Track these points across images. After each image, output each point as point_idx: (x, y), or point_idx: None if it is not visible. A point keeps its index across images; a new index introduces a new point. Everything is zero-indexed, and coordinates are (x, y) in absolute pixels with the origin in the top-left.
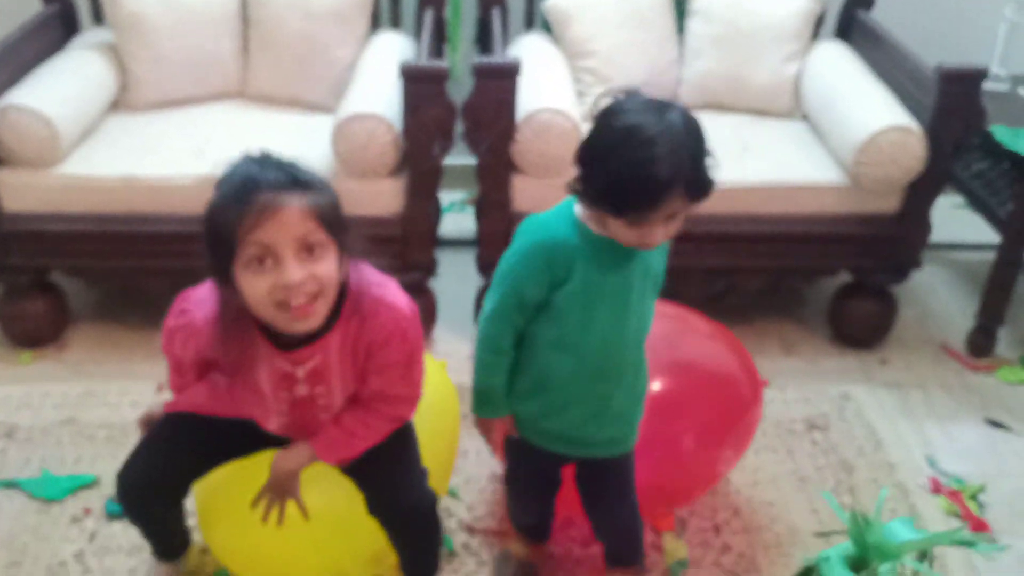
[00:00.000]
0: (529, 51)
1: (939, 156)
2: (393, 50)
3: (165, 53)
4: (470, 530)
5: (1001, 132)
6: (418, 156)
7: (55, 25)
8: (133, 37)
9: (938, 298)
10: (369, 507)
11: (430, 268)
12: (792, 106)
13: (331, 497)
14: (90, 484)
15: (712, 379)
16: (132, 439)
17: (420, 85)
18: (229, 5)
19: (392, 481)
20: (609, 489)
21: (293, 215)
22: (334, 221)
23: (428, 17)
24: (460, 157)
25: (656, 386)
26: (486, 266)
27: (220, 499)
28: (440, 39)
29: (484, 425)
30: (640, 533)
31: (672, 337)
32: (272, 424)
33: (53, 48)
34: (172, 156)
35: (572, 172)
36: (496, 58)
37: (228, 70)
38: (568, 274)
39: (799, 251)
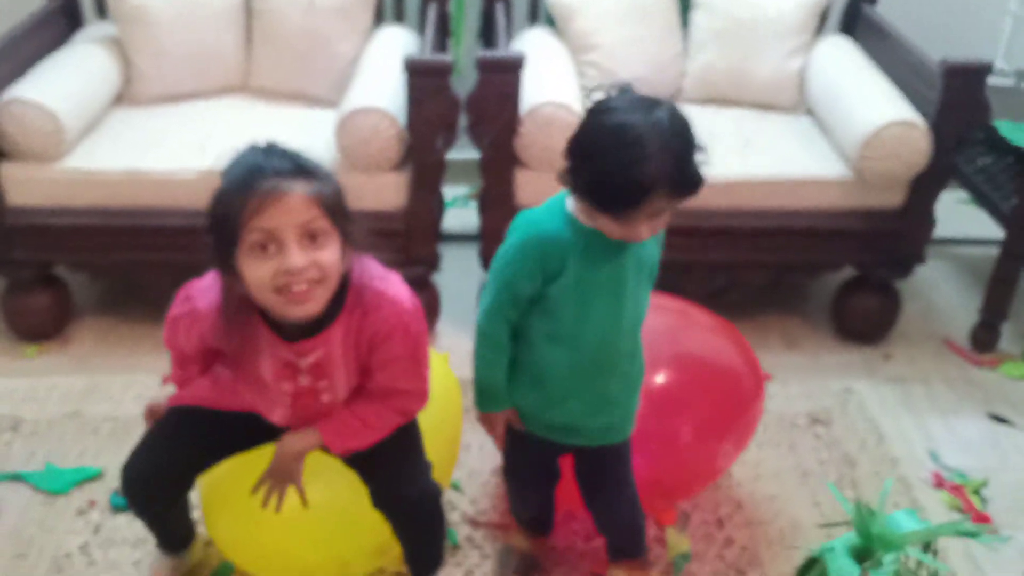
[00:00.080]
0: (533, 45)
1: (943, 151)
2: (397, 44)
3: (168, 47)
4: (473, 523)
5: (1005, 127)
6: (422, 150)
7: (59, 19)
8: (136, 31)
9: (941, 293)
10: (374, 500)
11: (433, 262)
12: (796, 100)
13: (335, 490)
14: (95, 477)
15: (714, 373)
16: (137, 432)
17: (424, 79)
18: None
19: (397, 474)
20: (607, 478)
21: (297, 201)
22: (337, 210)
23: (432, 11)
24: (464, 151)
25: (658, 380)
26: (489, 260)
27: (224, 492)
28: (444, 33)
29: (486, 419)
30: (642, 526)
31: (675, 331)
32: (275, 416)
33: (57, 42)
34: (176, 150)
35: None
36: (500, 52)
37: (231, 64)
38: (561, 268)
39: (802, 246)
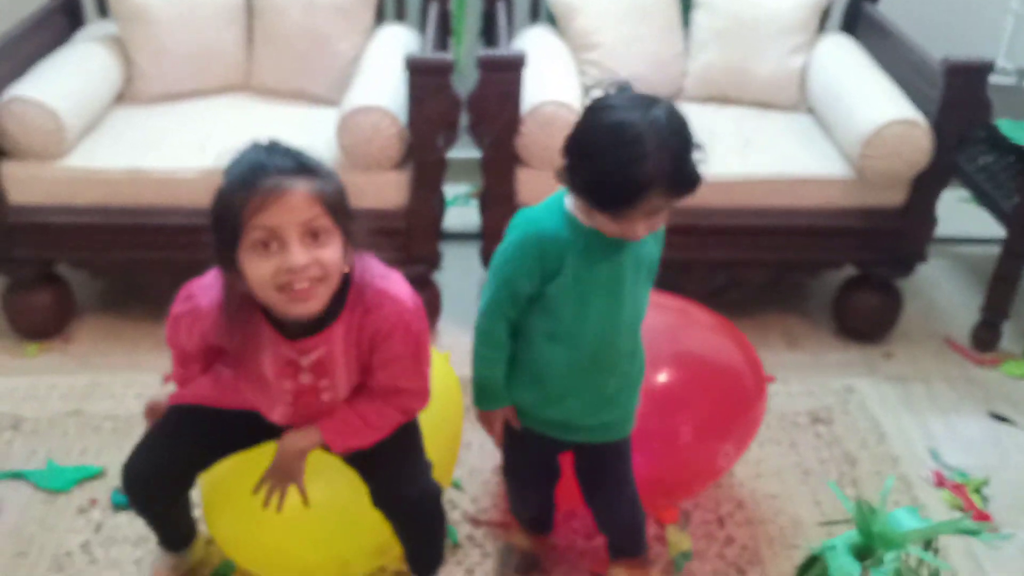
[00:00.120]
0: (534, 44)
1: (944, 149)
2: (398, 43)
3: (169, 46)
4: (474, 522)
5: (1007, 126)
6: (423, 149)
7: (59, 18)
8: (137, 30)
9: (943, 292)
10: (373, 499)
11: (434, 261)
12: (797, 99)
13: (336, 489)
14: (96, 475)
15: (716, 374)
16: (138, 430)
17: (425, 78)
18: None
19: (396, 473)
20: (607, 476)
21: (299, 199)
22: (339, 208)
23: (433, 10)
24: (464, 150)
25: (659, 380)
26: (490, 259)
27: (225, 491)
28: (445, 32)
29: (485, 417)
30: (642, 524)
31: (677, 331)
32: (276, 414)
33: (58, 41)
34: (176, 149)
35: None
36: (501, 51)
37: (232, 63)
38: (559, 267)
39: (803, 244)
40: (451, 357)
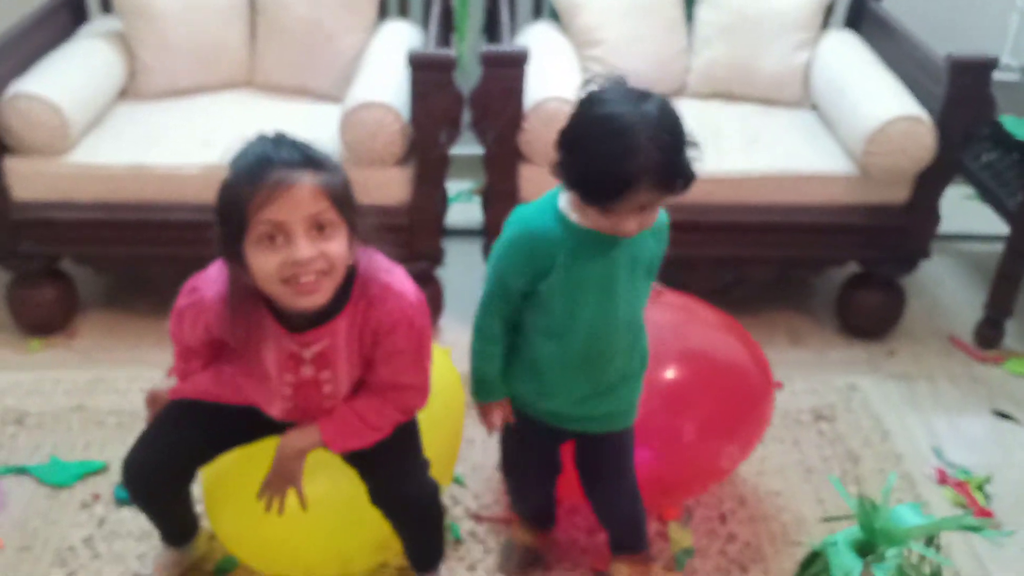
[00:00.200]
0: (537, 40)
1: (948, 146)
2: (401, 39)
3: (173, 41)
4: (476, 518)
5: (1011, 123)
6: (425, 145)
7: (63, 13)
8: (141, 25)
9: (946, 289)
10: (372, 497)
11: (437, 257)
12: (801, 95)
13: (337, 484)
14: (99, 470)
15: (724, 376)
16: (141, 426)
17: (428, 73)
18: None
19: (393, 472)
20: (606, 467)
21: (305, 193)
22: (345, 201)
23: (436, 5)
24: (467, 146)
25: (664, 378)
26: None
27: (226, 486)
28: (448, 28)
29: (482, 409)
30: (642, 518)
31: (684, 331)
32: (275, 409)
33: (61, 36)
34: (180, 145)
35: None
36: (504, 47)
37: (236, 58)
38: (550, 265)
39: (807, 241)
40: (452, 353)
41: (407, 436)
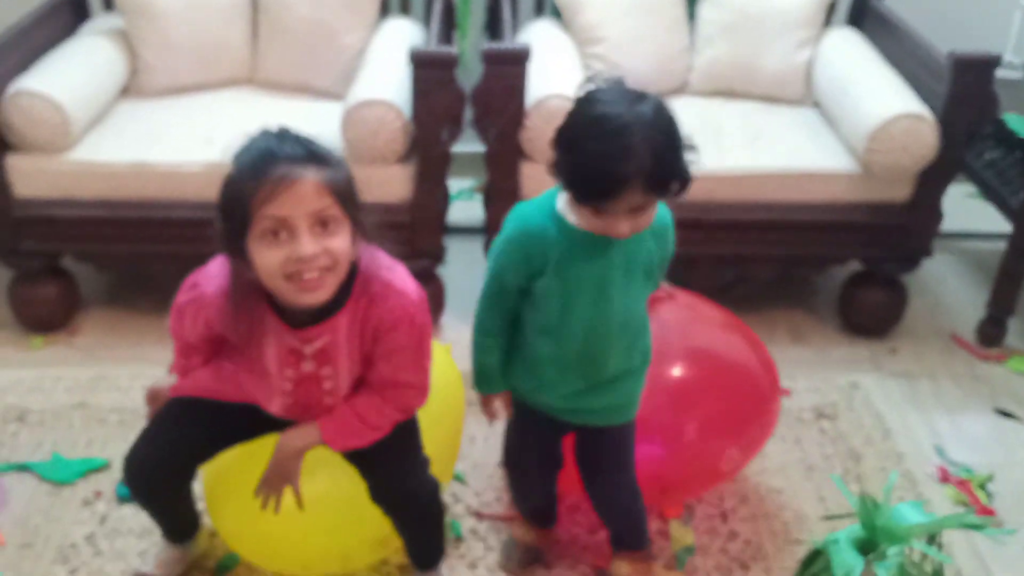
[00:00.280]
0: (539, 37)
1: (951, 144)
2: (402, 36)
3: (175, 39)
4: (477, 515)
5: (1014, 120)
6: (427, 142)
7: (65, 11)
8: (143, 23)
9: (948, 288)
10: (372, 495)
11: (438, 255)
12: (803, 93)
13: (337, 482)
14: (101, 467)
15: (731, 377)
16: (143, 423)
17: (429, 71)
18: None
19: (393, 470)
20: (606, 459)
21: (308, 189)
22: (349, 197)
23: (437, 3)
24: (469, 144)
25: (670, 378)
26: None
27: (227, 484)
28: (449, 25)
29: (484, 400)
30: (642, 515)
31: (691, 331)
32: (275, 405)
33: (63, 34)
34: (182, 143)
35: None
36: (506, 44)
37: (237, 56)
38: (544, 264)
39: (809, 239)
40: (453, 351)
41: (407, 434)
